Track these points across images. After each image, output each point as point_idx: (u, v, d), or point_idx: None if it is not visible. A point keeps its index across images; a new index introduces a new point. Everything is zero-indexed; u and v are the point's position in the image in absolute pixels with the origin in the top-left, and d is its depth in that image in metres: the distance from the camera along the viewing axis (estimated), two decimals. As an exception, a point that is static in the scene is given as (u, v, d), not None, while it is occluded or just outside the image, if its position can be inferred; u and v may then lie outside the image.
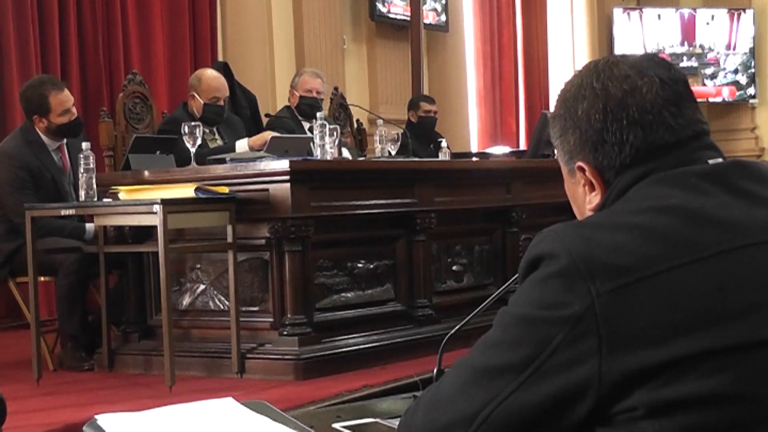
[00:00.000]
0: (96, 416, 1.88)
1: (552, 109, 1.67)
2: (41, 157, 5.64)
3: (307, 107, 6.88)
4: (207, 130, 6.11)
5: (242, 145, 6.12)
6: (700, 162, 1.53)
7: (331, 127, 5.51)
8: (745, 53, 13.16)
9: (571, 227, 1.47)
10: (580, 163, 1.59)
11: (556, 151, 1.66)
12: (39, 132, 5.66)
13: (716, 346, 1.37)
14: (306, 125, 6.84)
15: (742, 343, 1.38)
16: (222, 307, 5.07)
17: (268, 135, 6.09)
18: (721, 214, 1.45)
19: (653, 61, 1.59)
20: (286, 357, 4.84)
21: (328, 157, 5.30)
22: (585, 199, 1.62)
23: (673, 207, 1.46)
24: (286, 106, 7.20)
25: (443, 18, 10.79)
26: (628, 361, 1.37)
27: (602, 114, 1.55)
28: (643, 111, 1.54)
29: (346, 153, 6.97)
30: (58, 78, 6.02)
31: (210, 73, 6.47)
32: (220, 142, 6.29)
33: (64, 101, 5.65)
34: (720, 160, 1.55)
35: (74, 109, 5.72)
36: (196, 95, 6.23)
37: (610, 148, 1.55)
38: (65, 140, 5.77)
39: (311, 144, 5.49)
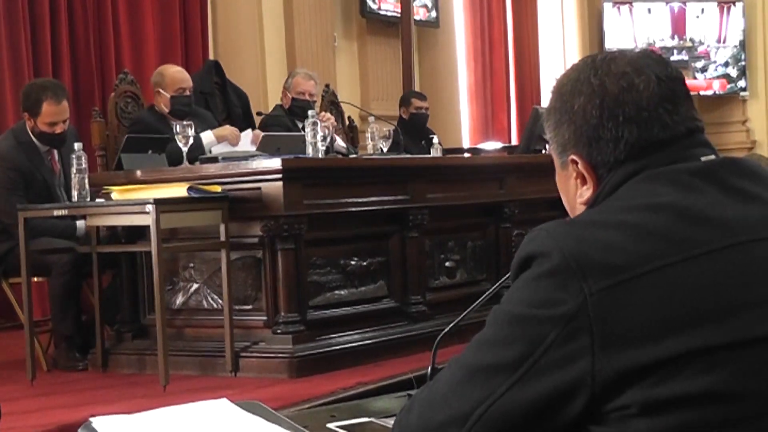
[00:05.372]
0: (90, 418, 1.88)
1: (544, 103, 1.67)
2: (32, 159, 5.64)
3: (299, 110, 6.88)
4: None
5: (208, 135, 6.12)
6: (694, 159, 1.53)
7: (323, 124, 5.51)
8: (736, 46, 13.18)
9: (562, 225, 1.47)
10: (573, 156, 1.59)
11: (549, 144, 1.66)
12: (30, 133, 5.65)
13: (710, 343, 1.37)
14: (300, 124, 6.83)
15: (735, 340, 1.38)
16: (215, 305, 5.07)
17: (231, 128, 6.10)
18: (713, 212, 1.45)
19: (650, 58, 1.59)
20: (280, 355, 4.84)
21: (320, 155, 5.29)
22: (576, 192, 1.61)
23: (664, 205, 1.46)
24: (278, 105, 7.19)
25: (434, 14, 10.79)
26: (622, 359, 1.37)
27: (598, 110, 1.55)
28: (639, 108, 1.54)
29: (339, 141, 6.97)
30: (64, 86, 5.95)
31: (172, 67, 6.52)
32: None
33: (55, 113, 5.60)
34: (713, 157, 1.55)
35: (64, 124, 5.65)
36: (161, 91, 6.20)
37: (605, 144, 1.55)
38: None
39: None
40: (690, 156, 1.53)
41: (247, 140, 6.21)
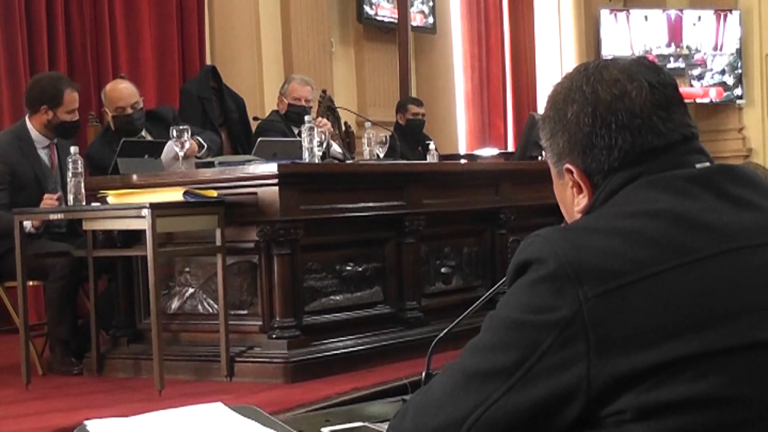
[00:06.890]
0: (85, 422, 1.88)
1: (540, 110, 1.68)
2: (26, 153, 5.63)
3: (295, 115, 6.88)
4: (134, 139, 5.97)
5: None
6: (688, 166, 1.54)
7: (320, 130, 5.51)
8: (732, 54, 13.19)
9: (559, 232, 1.48)
10: (568, 165, 1.60)
11: (545, 152, 1.67)
12: (31, 129, 5.66)
13: (705, 349, 1.38)
14: (296, 130, 6.83)
15: (731, 345, 1.38)
16: (211, 310, 5.07)
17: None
18: (708, 218, 1.46)
19: (643, 65, 1.60)
20: (275, 360, 4.84)
21: (317, 160, 5.30)
22: (573, 201, 1.62)
23: (660, 211, 1.46)
24: (274, 111, 7.20)
25: (431, 20, 10.80)
26: (617, 364, 1.38)
27: (591, 118, 1.55)
28: (632, 115, 1.54)
29: (336, 147, 6.98)
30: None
31: (112, 85, 6.22)
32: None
33: (75, 101, 5.72)
34: (708, 164, 1.56)
35: (77, 112, 5.74)
36: (107, 110, 6.09)
37: (599, 151, 1.55)
38: (56, 139, 5.75)
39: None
40: (685, 163, 1.54)
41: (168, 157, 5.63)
